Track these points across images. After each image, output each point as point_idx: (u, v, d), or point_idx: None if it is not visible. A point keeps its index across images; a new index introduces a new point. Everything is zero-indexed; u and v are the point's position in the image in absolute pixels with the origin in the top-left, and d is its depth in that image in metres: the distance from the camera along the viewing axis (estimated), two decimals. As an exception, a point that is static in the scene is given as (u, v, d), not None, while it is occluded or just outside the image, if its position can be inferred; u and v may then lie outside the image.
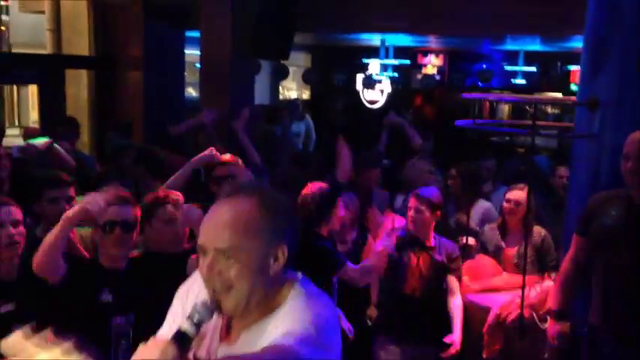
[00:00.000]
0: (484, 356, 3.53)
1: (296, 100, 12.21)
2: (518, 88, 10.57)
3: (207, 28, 6.68)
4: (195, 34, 7.15)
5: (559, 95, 9.70)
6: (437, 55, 11.89)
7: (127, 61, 7.25)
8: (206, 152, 3.56)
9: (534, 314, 3.34)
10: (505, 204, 3.92)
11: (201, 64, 7.08)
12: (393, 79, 10.64)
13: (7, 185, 3.58)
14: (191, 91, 9.96)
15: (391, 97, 10.96)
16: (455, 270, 3.65)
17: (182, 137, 5.39)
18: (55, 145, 4.06)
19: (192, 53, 8.42)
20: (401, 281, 3.57)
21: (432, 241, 3.63)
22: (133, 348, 2.35)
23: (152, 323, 2.39)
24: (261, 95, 10.85)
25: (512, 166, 5.53)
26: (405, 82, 11.56)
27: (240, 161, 3.68)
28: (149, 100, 7.06)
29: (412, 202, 3.60)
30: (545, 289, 3.42)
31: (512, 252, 3.91)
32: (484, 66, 10.97)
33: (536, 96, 8.14)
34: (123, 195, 2.58)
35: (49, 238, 2.35)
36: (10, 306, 2.45)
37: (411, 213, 3.59)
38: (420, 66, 11.83)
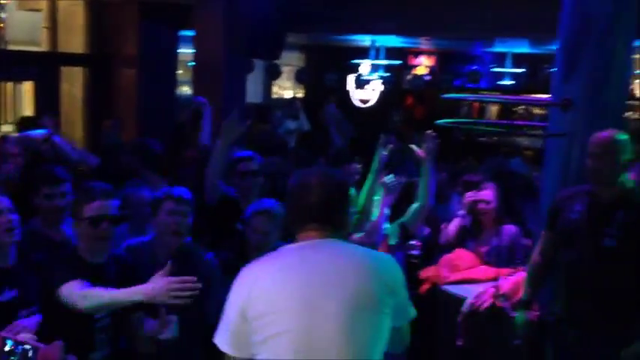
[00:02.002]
0: (459, 344, 3.69)
1: (293, 98, 12.36)
2: (506, 89, 10.75)
3: (201, 28, 6.83)
4: (189, 33, 7.30)
5: (546, 96, 9.88)
6: (428, 56, 12.07)
7: (122, 60, 7.37)
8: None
9: (506, 303, 3.50)
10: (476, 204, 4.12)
11: (194, 63, 7.22)
12: (384, 80, 10.80)
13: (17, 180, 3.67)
14: (185, 89, 10.10)
15: (382, 97, 11.13)
16: None
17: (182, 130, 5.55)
18: (55, 137, 4.02)
19: (185, 52, 8.56)
20: None
21: None
22: (112, 337, 2.51)
23: (132, 313, 2.56)
24: (254, 94, 11.00)
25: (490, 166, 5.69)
26: (395, 82, 11.73)
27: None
28: (142, 98, 7.19)
29: None
30: (517, 279, 3.58)
31: (484, 250, 4.09)
32: (474, 67, 11.14)
33: (513, 96, 8.35)
34: (106, 189, 2.64)
35: (110, 300, 2.37)
36: (13, 292, 2.51)
37: None
38: (411, 67, 12.00)
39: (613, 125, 3.20)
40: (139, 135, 6.62)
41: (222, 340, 1.84)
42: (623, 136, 2.92)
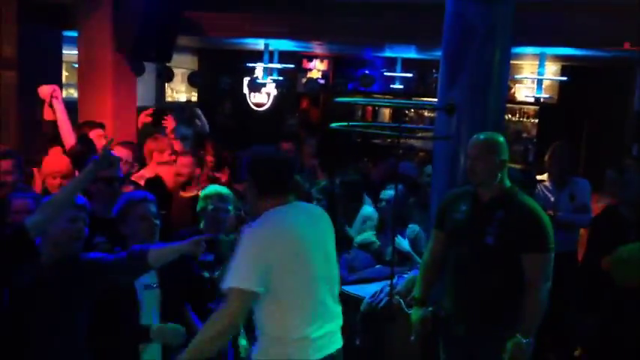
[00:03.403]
0: (358, 343, 3.77)
1: (187, 103, 12.04)
2: (397, 93, 11.08)
3: (86, 28, 6.54)
4: (74, 33, 6.97)
5: (434, 100, 10.32)
6: (322, 60, 12.23)
7: (0, 62, 6.93)
8: None
9: (401, 301, 3.62)
10: (380, 204, 4.26)
11: (78, 64, 6.91)
12: (278, 83, 10.83)
13: None
14: (72, 92, 9.63)
15: (277, 101, 11.16)
16: None
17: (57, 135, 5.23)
18: None
19: (71, 53, 8.16)
20: None
21: None
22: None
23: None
24: (147, 97, 10.66)
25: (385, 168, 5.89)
26: (290, 85, 11.80)
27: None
28: (24, 102, 6.79)
29: None
30: (411, 278, 3.72)
31: (387, 249, 4.22)
32: (366, 72, 11.40)
33: (402, 100, 8.70)
34: None
35: None
36: None
37: None
38: (306, 70, 12.12)
39: (494, 128, 3.39)
40: (20, 141, 6.26)
41: (249, 281, 2.43)
42: (500, 138, 3.09)
